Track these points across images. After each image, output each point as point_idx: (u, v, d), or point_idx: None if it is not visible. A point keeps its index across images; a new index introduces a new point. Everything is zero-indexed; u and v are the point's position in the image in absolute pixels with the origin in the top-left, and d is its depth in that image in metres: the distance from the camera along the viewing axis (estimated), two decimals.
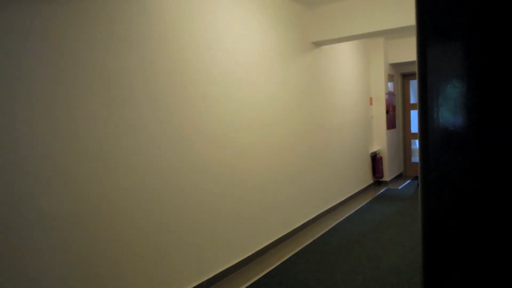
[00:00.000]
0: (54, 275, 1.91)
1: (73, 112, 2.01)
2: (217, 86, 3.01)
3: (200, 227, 2.83)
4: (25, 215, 1.80)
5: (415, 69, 6.94)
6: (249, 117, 3.36)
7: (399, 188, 6.34)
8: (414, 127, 7.48)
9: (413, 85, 7.33)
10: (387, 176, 6.67)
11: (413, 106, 7.39)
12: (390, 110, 6.79)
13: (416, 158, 7.44)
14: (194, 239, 2.77)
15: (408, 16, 3.85)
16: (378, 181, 6.66)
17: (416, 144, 7.47)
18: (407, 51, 6.59)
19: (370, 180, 6.47)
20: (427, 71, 0.75)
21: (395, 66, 7.08)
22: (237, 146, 3.23)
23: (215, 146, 2.98)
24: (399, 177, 7.25)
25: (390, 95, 6.81)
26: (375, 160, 6.51)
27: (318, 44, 4.61)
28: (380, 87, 6.57)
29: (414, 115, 7.42)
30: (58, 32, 1.95)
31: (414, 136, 7.44)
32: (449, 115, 0.74)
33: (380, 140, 6.65)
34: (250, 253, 3.34)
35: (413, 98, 7.40)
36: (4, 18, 1.73)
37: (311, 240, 3.85)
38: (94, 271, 2.09)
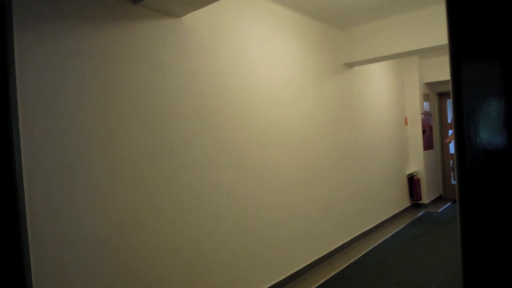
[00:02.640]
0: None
1: (115, 134, 2.09)
2: (250, 109, 3.05)
3: (236, 248, 2.82)
4: (71, 234, 1.87)
5: None
6: (283, 138, 3.37)
7: (439, 211, 6.06)
8: (453, 148, 7.19)
9: (450, 104, 7.09)
10: (425, 199, 6.40)
11: (450, 126, 7.13)
12: (426, 130, 6.58)
13: None
14: (230, 260, 2.76)
15: (442, 34, 3.78)
16: (416, 204, 6.40)
17: None
18: (443, 70, 6.42)
19: (407, 203, 6.24)
20: (461, 90, 0.73)
21: (430, 85, 6.91)
22: (272, 168, 3.23)
23: (245, 171, 3.00)
24: (438, 200, 6.94)
25: (426, 115, 6.62)
26: (412, 182, 6.28)
27: (350, 65, 4.59)
28: (416, 107, 6.40)
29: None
30: (104, 59, 2.06)
31: (452, 157, 7.14)
32: (487, 134, 0.71)
33: (417, 161, 6.43)
34: (283, 277, 3.28)
35: (451, 118, 7.14)
36: (52, 42, 1.86)
37: (346, 264, 3.72)
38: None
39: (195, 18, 2.61)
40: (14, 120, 1.72)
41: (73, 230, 1.90)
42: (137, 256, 2.19)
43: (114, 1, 2.14)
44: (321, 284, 3.28)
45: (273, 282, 3.17)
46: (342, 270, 3.58)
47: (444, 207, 6.33)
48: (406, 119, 6.43)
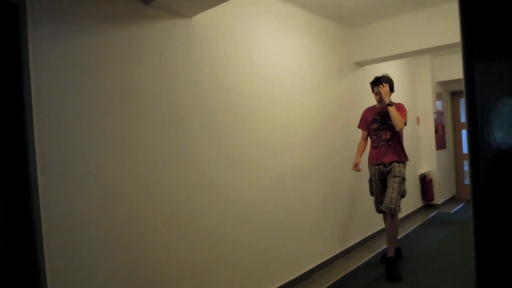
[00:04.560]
0: None
1: (126, 133, 2.11)
2: (260, 108, 3.04)
3: (245, 247, 2.82)
4: (83, 232, 1.89)
5: None
6: (292, 137, 3.36)
7: (452, 212, 5.97)
8: (466, 147, 7.08)
9: (464, 103, 6.98)
10: (438, 199, 6.32)
11: (464, 125, 7.01)
12: (439, 130, 6.50)
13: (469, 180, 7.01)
14: (240, 258, 2.77)
15: (455, 32, 3.72)
16: (428, 204, 6.33)
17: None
18: (456, 69, 6.32)
19: (419, 203, 6.17)
20: (474, 89, 0.72)
21: (443, 84, 6.81)
22: (279, 168, 3.22)
23: (257, 171, 3.00)
24: (451, 200, 6.84)
25: (438, 114, 6.54)
26: (425, 182, 6.21)
27: (361, 64, 4.56)
28: (428, 106, 6.32)
29: (465, 134, 7.03)
30: (116, 59, 2.08)
31: (466, 156, 7.03)
32: (501, 134, 0.70)
33: (429, 161, 6.35)
34: (293, 277, 3.27)
35: (464, 117, 7.03)
36: (65, 42, 1.88)
37: (357, 265, 3.70)
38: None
39: (205, 18, 2.62)
40: (29, 120, 1.75)
41: (85, 228, 1.93)
42: (147, 254, 2.21)
43: (126, 2, 2.16)
44: (330, 285, 3.26)
45: (283, 282, 3.16)
46: (353, 270, 3.56)
47: (457, 208, 6.24)
48: (418, 118, 6.35)
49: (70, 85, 1.90)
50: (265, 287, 3.00)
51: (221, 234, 2.67)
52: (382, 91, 3.52)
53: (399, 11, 4.00)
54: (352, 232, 4.24)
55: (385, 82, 3.55)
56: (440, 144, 6.53)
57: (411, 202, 5.84)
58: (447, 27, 3.78)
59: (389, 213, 3.48)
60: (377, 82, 3.60)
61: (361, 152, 3.84)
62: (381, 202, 3.64)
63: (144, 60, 2.24)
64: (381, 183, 3.69)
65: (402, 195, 3.51)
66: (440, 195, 6.36)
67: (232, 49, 2.83)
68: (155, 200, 2.26)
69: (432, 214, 5.82)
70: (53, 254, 1.80)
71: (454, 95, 7.08)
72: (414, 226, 5.15)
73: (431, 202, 6.32)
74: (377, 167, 3.66)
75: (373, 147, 3.72)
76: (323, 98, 3.86)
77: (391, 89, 3.61)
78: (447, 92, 6.99)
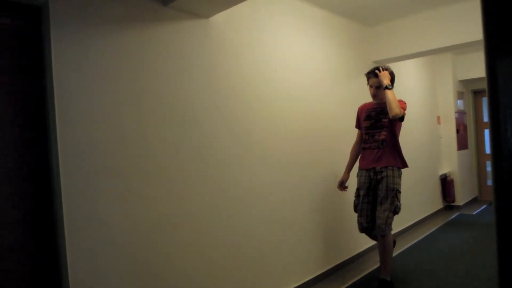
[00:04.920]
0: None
1: (145, 133, 2.14)
2: (278, 108, 3.04)
3: (260, 246, 2.82)
4: (104, 230, 1.93)
5: None
6: (312, 138, 3.34)
7: (474, 213, 5.83)
8: (489, 148, 6.89)
9: (486, 102, 6.80)
10: (459, 200, 6.18)
11: (486, 125, 6.84)
12: (460, 130, 6.35)
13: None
14: (256, 258, 2.77)
15: (477, 30, 3.63)
16: (449, 206, 6.19)
17: None
18: (478, 67, 6.17)
19: (440, 204, 6.04)
20: (497, 87, 0.70)
21: (465, 82, 6.65)
22: (296, 168, 3.21)
23: (274, 169, 2.99)
24: (474, 202, 6.68)
25: (460, 113, 6.39)
26: (446, 183, 6.08)
27: (379, 63, 4.49)
28: (449, 105, 6.19)
29: (488, 134, 6.85)
30: (136, 59, 2.11)
31: (488, 157, 6.86)
32: None
33: (450, 161, 6.22)
34: (308, 278, 3.25)
35: (486, 116, 6.85)
36: (86, 44, 1.93)
37: (374, 267, 3.65)
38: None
39: (223, 19, 2.63)
40: (52, 121, 1.80)
41: (106, 228, 1.96)
42: (165, 253, 2.24)
43: (146, 4, 2.19)
44: (348, 286, 3.23)
45: (299, 283, 3.15)
46: (370, 273, 3.51)
47: (480, 209, 6.09)
48: (438, 118, 6.22)
49: (91, 86, 1.94)
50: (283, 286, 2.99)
51: (237, 233, 2.67)
52: (380, 74, 3.00)
53: (419, 8, 3.92)
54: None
55: (384, 70, 3.06)
56: (462, 144, 6.38)
57: (431, 203, 5.73)
58: (469, 25, 3.69)
59: (380, 235, 2.98)
60: (374, 72, 3.09)
61: (351, 162, 3.35)
62: (367, 220, 3.08)
63: (162, 60, 2.27)
64: (369, 194, 3.10)
65: (395, 211, 2.96)
66: (461, 196, 6.22)
67: (249, 49, 2.83)
68: (174, 200, 2.29)
69: (453, 216, 5.70)
70: (74, 252, 1.84)
71: (477, 94, 6.91)
72: (434, 228, 5.05)
73: (452, 204, 6.18)
74: (367, 174, 3.11)
75: (363, 148, 3.18)
76: (341, 97, 3.83)
77: (391, 81, 3.04)
78: (469, 91, 6.82)
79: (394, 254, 3.99)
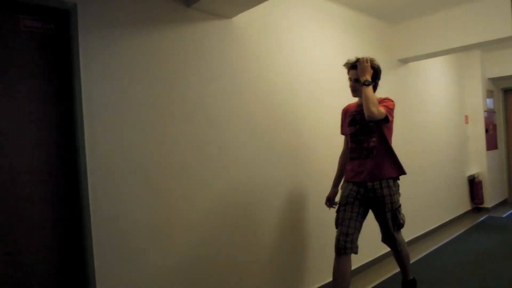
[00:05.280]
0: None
1: (169, 132, 2.18)
2: (299, 108, 3.02)
3: (289, 245, 2.82)
4: (128, 226, 1.98)
5: None
6: (334, 138, 3.31)
7: (503, 216, 5.62)
8: None
9: None
10: (488, 202, 5.97)
11: None
12: (490, 129, 6.14)
13: None
14: (282, 257, 2.77)
15: (507, 26, 3.50)
16: (477, 208, 6.00)
17: None
18: (508, 64, 5.94)
19: (467, 206, 5.86)
20: None
21: (494, 80, 6.42)
22: (322, 168, 3.19)
23: (298, 167, 2.98)
24: (504, 204, 6.44)
25: (489, 112, 6.17)
26: (474, 184, 5.89)
27: (404, 61, 4.40)
28: (477, 104, 5.99)
29: None
30: (161, 60, 2.15)
31: None
32: None
33: (478, 162, 6.02)
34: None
35: None
36: (113, 45, 1.97)
37: (398, 270, 3.58)
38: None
39: (245, 18, 2.64)
40: (79, 122, 1.84)
41: (131, 223, 2.01)
42: (189, 249, 2.27)
43: (169, 6, 2.22)
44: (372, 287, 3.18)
45: (324, 282, 3.13)
46: (394, 275, 3.45)
47: (510, 212, 5.87)
48: (466, 117, 6.04)
49: (117, 86, 1.99)
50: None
51: (262, 233, 2.68)
52: (359, 66, 2.49)
53: (447, 4, 3.82)
54: None
55: (374, 67, 2.56)
56: (491, 144, 6.17)
57: (458, 205, 5.57)
58: (498, 21, 3.56)
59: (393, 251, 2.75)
60: (354, 63, 2.57)
61: (339, 174, 2.83)
62: (348, 238, 2.47)
63: (186, 61, 2.30)
64: (355, 208, 2.53)
65: (401, 227, 2.62)
66: (490, 198, 6.01)
67: (271, 49, 2.82)
68: (194, 197, 2.32)
69: (481, 219, 5.51)
70: (101, 250, 1.89)
71: (507, 92, 6.65)
72: (461, 231, 4.90)
73: (480, 206, 5.98)
74: (354, 187, 2.56)
75: (351, 158, 2.64)
76: None
77: (375, 75, 2.55)
78: (498, 89, 6.58)
79: (418, 257, 3.90)
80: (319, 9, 3.28)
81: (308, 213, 3.07)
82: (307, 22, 3.15)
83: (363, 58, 2.51)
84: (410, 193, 4.38)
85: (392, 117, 2.50)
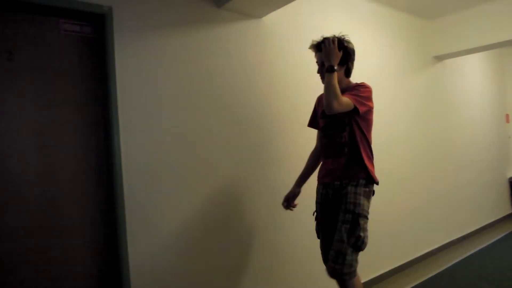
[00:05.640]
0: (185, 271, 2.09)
1: (200, 131, 2.21)
2: None
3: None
4: (161, 221, 2.03)
5: None
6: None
7: None
8: None
9: None
10: None
11: None
12: None
13: None
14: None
15: None
16: None
17: None
18: None
19: (508, 210, 5.59)
20: None
21: None
22: None
23: None
24: None
25: None
26: None
27: (440, 58, 4.25)
28: None
29: None
30: (192, 60, 2.19)
31: None
32: None
33: None
34: (365, 279, 3.16)
35: None
36: (146, 46, 2.03)
37: (434, 273, 3.46)
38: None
39: (275, 17, 2.63)
40: (115, 123, 1.91)
41: (163, 218, 2.06)
42: (224, 245, 2.29)
43: (200, 7, 2.25)
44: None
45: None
46: (429, 279, 3.33)
47: None
48: (507, 116, 5.75)
49: (151, 88, 2.04)
50: None
51: (302, 232, 2.67)
52: (323, 49, 2.01)
53: None
54: (427, 238, 3.96)
55: (343, 47, 2.08)
56: None
57: (498, 208, 5.31)
58: None
59: (337, 280, 1.97)
60: (320, 45, 2.08)
61: (305, 173, 2.36)
62: (326, 255, 2.10)
63: (218, 61, 2.33)
64: (328, 216, 2.11)
65: (357, 246, 1.93)
66: None
67: (304, 48, 2.80)
68: (229, 197, 2.34)
69: None
70: (135, 248, 1.94)
71: None
72: (502, 235, 4.66)
73: None
74: (323, 190, 2.15)
75: (324, 157, 2.22)
76: (398, 95, 3.67)
77: (346, 57, 2.09)
78: None
79: (455, 261, 3.76)
80: (351, 6, 3.22)
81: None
82: (339, 20, 3.10)
83: (328, 38, 2.03)
84: (446, 194, 4.23)
85: (367, 107, 2.01)
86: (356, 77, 3.19)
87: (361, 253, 1.97)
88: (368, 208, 2.03)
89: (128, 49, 1.97)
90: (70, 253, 1.82)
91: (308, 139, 2.85)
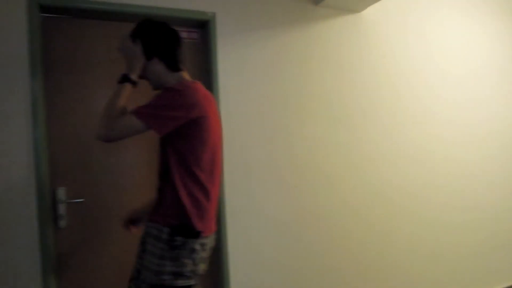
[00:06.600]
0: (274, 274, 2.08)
1: (300, 131, 2.20)
2: (442, 104, 2.72)
3: (420, 252, 2.57)
4: (260, 218, 2.07)
5: None
6: (477, 137, 2.89)
7: None
8: None
9: None
10: None
11: None
12: None
13: None
14: (411, 262, 2.53)
15: None
16: None
17: None
18: None
19: None
20: None
21: None
22: (464, 172, 2.82)
23: (432, 172, 2.69)
24: None
25: None
26: None
27: None
28: None
29: None
30: (292, 59, 2.20)
31: None
32: None
33: None
34: None
35: None
36: (246, 48, 2.08)
37: None
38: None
39: (376, 11, 2.50)
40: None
41: (262, 215, 2.09)
42: (313, 241, 2.24)
43: (298, 6, 2.25)
44: None
45: None
46: None
47: None
48: None
49: (251, 88, 2.09)
50: None
51: (393, 235, 2.49)
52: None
53: None
54: None
55: (139, 35, 1.39)
56: None
57: None
58: None
59: None
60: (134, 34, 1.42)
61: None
62: None
63: (317, 59, 2.29)
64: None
65: None
66: None
67: (406, 43, 2.60)
68: (323, 194, 2.28)
69: None
70: (234, 242, 2.00)
71: None
72: None
73: None
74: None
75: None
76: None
77: (154, 52, 1.39)
78: None
79: None
80: None
81: (466, 216, 2.73)
82: (448, 10, 2.80)
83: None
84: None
85: (165, 119, 1.27)
86: (470, 75, 2.82)
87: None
88: (173, 277, 1.29)
89: (230, 52, 2.04)
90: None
91: (402, 141, 2.65)
